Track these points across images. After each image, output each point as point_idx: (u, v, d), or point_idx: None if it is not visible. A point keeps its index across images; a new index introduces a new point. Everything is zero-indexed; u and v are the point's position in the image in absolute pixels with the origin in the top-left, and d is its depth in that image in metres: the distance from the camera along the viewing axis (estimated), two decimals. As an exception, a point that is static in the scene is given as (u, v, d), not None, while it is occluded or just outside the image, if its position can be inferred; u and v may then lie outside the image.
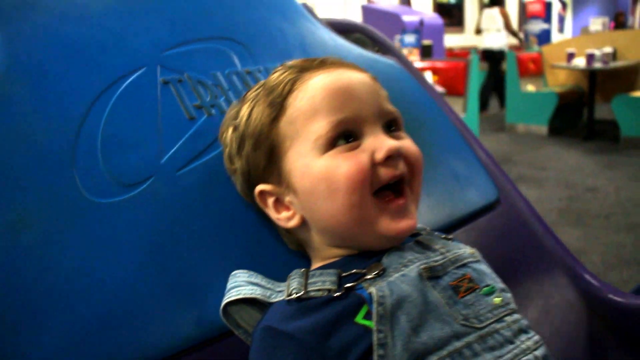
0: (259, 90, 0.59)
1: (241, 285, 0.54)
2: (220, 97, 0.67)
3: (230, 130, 0.59)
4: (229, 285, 0.55)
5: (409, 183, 0.56)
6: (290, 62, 0.60)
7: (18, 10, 0.60)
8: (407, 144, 0.57)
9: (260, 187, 0.57)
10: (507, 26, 6.84)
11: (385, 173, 0.53)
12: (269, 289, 0.54)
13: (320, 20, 0.86)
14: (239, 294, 0.53)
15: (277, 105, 0.56)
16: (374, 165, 0.53)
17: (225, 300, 0.53)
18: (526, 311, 0.82)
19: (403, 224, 0.54)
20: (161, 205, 0.58)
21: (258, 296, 0.53)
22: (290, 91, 0.56)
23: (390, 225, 0.53)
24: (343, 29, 0.90)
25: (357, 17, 7.94)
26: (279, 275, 0.57)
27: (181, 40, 0.68)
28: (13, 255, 0.50)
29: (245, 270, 0.56)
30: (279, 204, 0.57)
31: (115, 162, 0.57)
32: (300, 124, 0.55)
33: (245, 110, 0.58)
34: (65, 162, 0.55)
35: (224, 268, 0.57)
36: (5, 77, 0.56)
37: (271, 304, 0.53)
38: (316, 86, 0.55)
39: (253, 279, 0.55)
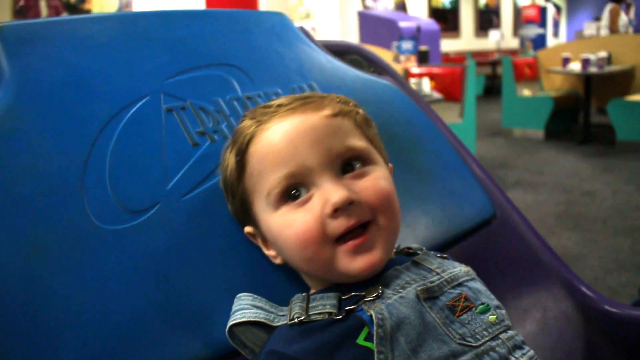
0: (232, 136, 0.61)
1: (245, 308, 0.56)
2: (222, 122, 0.68)
3: (221, 174, 0.62)
4: (234, 308, 0.57)
5: (376, 222, 0.54)
6: (255, 109, 0.61)
7: (25, 43, 0.62)
8: (368, 184, 0.55)
9: (246, 229, 0.61)
10: (611, 23, 6.82)
11: (336, 226, 0.52)
12: (272, 312, 0.56)
13: (317, 43, 0.88)
14: (243, 317, 0.55)
15: (240, 160, 0.57)
16: (324, 219, 0.53)
17: (230, 323, 0.55)
18: (524, 324, 0.84)
19: (362, 261, 0.53)
20: (168, 231, 0.59)
21: (262, 319, 0.55)
22: (247, 145, 0.57)
23: (349, 265, 0.53)
24: (339, 50, 0.92)
25: (353, 23, 7.97)
26: (282, 296, 0.59)
27: (183, 68, 0.69)
28: (28, 282, 0.51)
29: (249, 294, 0.58)
30: (265, 242, 0.60)
31: (123, 189, 0.59)
32: (255, 180, 0.56)
33: (224, 157, 0.61)
34: (75, 191, 0.56)
35: (229, 290, 0.59)
36: (15, 109, 0.58)
37: (274, 327, 0.55)
38: (266, 139, 0.55)
39: (257, 303, 0.57)
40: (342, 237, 0.53)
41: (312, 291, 0.59)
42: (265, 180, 0.55)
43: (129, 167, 0.60)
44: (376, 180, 0.56)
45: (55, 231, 0.54)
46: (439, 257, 0.62)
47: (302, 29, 0.87)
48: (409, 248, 0.64)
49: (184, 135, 0.65)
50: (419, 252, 0.63)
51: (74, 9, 5.46)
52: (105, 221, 0.57)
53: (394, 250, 0.63)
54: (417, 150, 0.83)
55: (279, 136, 0.55)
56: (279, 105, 0.58)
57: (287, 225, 0.54)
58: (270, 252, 0.60)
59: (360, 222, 0.53)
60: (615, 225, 3.12)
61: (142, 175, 0.61)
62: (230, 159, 0.59)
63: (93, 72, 0.64)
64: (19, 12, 5.04)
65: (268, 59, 0.77)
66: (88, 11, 5.58)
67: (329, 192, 0.53)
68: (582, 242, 2.89)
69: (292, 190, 0.54)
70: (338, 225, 0.52)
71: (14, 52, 0.61)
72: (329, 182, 0.53)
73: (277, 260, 0.59)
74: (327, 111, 0.57)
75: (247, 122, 0.59)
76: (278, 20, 0.84)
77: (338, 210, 0.52)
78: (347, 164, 0.56)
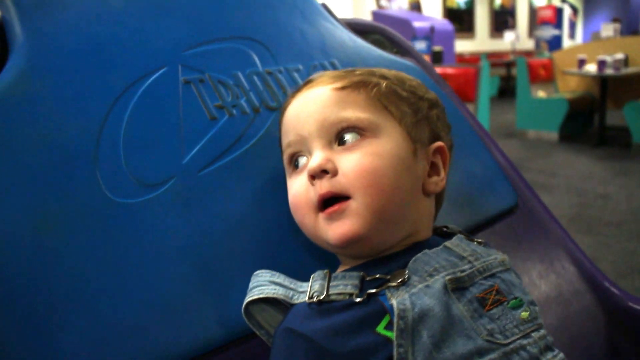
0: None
1: (263, 284, 0.54)
2: (242, 97, 0.67)
3: None
4: (251, 285, 0.54)
5: (355, 196, 0.52)
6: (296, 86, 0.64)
7: (40, 9, 0.61)
8: (348, 159, 0.54)
9: None
10: None
11: (312, 192, 0.54)
12: (291, 289, 0.54)
13: (340, 21, 0.86)
14: (261, 294, 0.53)
15: (279, 131, 0.61)
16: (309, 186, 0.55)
17: (247, 299, 0.53)
18: (544, 317, 0.81)
19: (336, 229, 0.52)
20: (183, 206, 0.58)
21: (280, 296, 0.53)
22: (282, 115, 0.61)
23: (328, 232, 0.53)
24: (362, 29, 0.90)
25: (367, 22, 7.96)
26: (300, 275, 0.56)
27: (202, 39, 0.68)
28: (37, 255, 0.50)
29: (267, 270, 0.56)
30: None
31: (138, 162, 0.57)
32: (282, 145, 0.60)
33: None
34: (88, 162, 0.55)
35: (246, 268, 0.57)
36: (28, 75, 0.56)
37: (292, 304, 0.52)
38: (285, 112, 0.60)
39: (275, 279, 0.54)
40: (323, 206, 0.54)
41: (339, 269, 0.56)
42: (282, 146, 0.59)
43: (144, 139, 0.59)
44: (364, 155, 0.53)
45: (66, 203, 0.52)
46: (475, 242, 0.58)
47: (325, 6, 0.85)
48: (446, 227, 0.61)
49: (201, 108, 0.63)
50: (454, 234, 0.59)
51: None
52: (118, 194, 0.55)
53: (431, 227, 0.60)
54: (439, 135, 0.81)
55: (292, 108, 0.58)
56: (311, 80, 0.60)
57: (289, 190, 0.58)
58: None
59: (332, 193, 0.52)
60: (629, 229, 3.08)
61: (157, 149, 0.59)
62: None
63: (109, 40, 0.62)
64: None
65: (290, 35, 0.76)
66: None
67: (311, 160, 0.54)
68: (595, 246, 2.86)
69: (295, 159, 0.57)
70: (314, 191, 0.54)
71: (28, 17, 0.60)
72: (317, 150, 0.55)
73: None
74: (338, 84, 0.57)
75: (286, 97, 0.63)
76: (300, -4, 0.82)
77: (315, 178, 0.53)
78: (343, 137, 0.55)
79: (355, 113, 0.55)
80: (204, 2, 0.71)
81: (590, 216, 3.32)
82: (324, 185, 0.52)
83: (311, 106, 0.56)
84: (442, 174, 0.59)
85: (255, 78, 0.69)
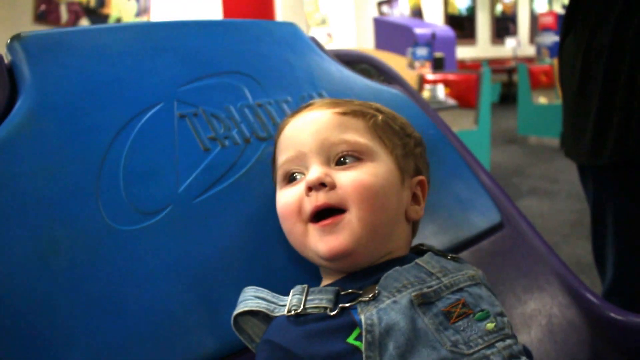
0: None
1: (248, 299, 0.58)
2: (233, 129, 0.71)
3: None
4: (239, 300, 0.59)
5: (351, 211, 0.57)
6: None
7: (46, 52, 0.65)
8: (346, 175, 0.58)
9: None
10: None
11: (307, 204, 0.57)
12: (273, 302, 0.58)
13: (328, 52, 0.90)
14: (245, 307, 0.57)
15: (274, 146, 0.66)
16: (303, 196, 0.58)
17: (234, 313, 0.57)
18: (529, 330, 0.84)
19: (327, 243, 0.56)
20: (179, 232, 0.62)
21: (263, 309, 0.56)
22: (279, 133, 0.65)
23: (318, 244, 0.57)
24: (349, 59, 0.93)
25: (369, 29, 7.99)
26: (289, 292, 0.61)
27: (195, 76, 0.72)
28: (44, 279, 0.54)
29: (253, 286, 0.60)
30: None
31: (136, 191, 0.61)
32: (275, 163, 0.64)
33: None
34: (90, 192, 0.59)
35: (238, 288, 0.60)
36: (36, 115, 0.61)
37: (274, 317, 0.56)
38: (284, 130, 0.64)
39: (259, 294, 0.58)
40: (316, 219, 0.57)
41: (322, 284, 0.61)
42: (277, 163, 0.63)
43: (142, 170, 0.63)
44: (361, 173, 0.58)
45: (70, 230, 0.56)
46: (449, 258, 0.62)
47: (313, 39, 0.89)
48: (422, 245, 0.66)
49: (195, 140, 0.67)
50: (430, 250, 0.63)
51: (93, 13, 5.55)
52: (118, 222, 0.59)
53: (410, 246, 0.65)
54: (424, 158, 0.84)
55: (291, 126, 0.63)
56: (309, 105, 0.65)
57: (278, 201, 0.61)
58: None
59: (328, 205, 0.56)
60: (630, 235, 3.08)
61: (155, 179, 0.63)
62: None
63: (109, 80, 0.66)
64: (40, 17, 5.14)
65: (279, 68, 0.79)
66: (107, 15, 5.67)
67: (309, 174, 0.58)
68: (596, 251, 2.86)
69: (290, 175, 0.61)
70: (309, 202, 0.57)
71: (35, 60, 0.64)
72: (315, 165, 0.59)
73: None
74: (339, 109, 0.62)
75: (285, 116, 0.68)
76: (289, 30, 0.86)
77: (312, 190, 0.57)
78: (342, 158, 0.59)
79: (354, 137, 0.60)
80: (196, 41, 0.75)
81: (591, 222, 3.32)
82: (321, 198, 0.56)
83: (312, 126, 0.61)
84: (422, 204, 0.65)
85: (246, 110, 0.73)
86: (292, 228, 0.59)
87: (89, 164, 0.61)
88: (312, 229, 0.57)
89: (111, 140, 0.63)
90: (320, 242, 0.56)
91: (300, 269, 0.66)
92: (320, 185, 0.57)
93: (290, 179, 0.61)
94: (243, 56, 0.77)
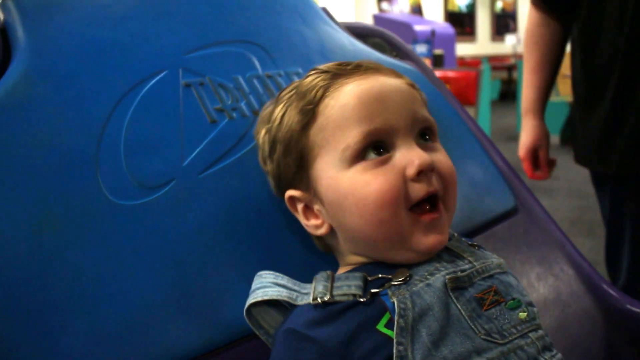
0: (292, 92, 0.57)
1: (268, 286, 0.53)
2: (242, 100, 0.67)
3: (263, 132, 0.59)
4: (254, 286, 0.54)
5: (442, 199, 0.53)
6: (323, 66, 0.58)
7: (42, 12, 0.61)
8: (440, 157, 0.55)
9: (289, 193, 0.57)
10: None
11: (417, 189, 0.51)
12: (295, 290, 0.54)
13: (340, 24, 0.87)
14: (265, 295, 0.52)
15: (309, 112, 0.54)
16: (405, 181, 0.51)
17: (252, 301, 0.53)
18: (543, 320, 0.82)
19: (433, 239, 0.52)
20: (183, 208, 0.58)
21: (284, 298, 0.52)
22: (322, 98, 0.54)
23: (422, 239, 0.51)
24: (362, 33, 0.91)
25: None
26: (300, 275, 0.56)
27: (203, 43, 0.68)
28: (37, 255, 0.50)
29: (271, 272, 0.55)
30: (308, 210, 0.57)
31: (138, 164, 0.58)
32: (330, 133, 0.53)
33: (278, 113, 0.57)
34: (89, 164, 0.56)
35: (244, 271, 0.57)
36: (30, 78, 0.57)
37: (296, 305, 0.53)
38: (348, 94, 0.53)
39: (279, 281, 0.54)
40: (417, 207, 0.52)
41: (339, 271, 0.57)
42: (344, 134, 0.52)
43: (144, 142, 0.59)
44: (446, 156, 0.56)
45: (67, 204, 0.53)
46: (471, 245, 0.59)
47: (325, 10, 0.86)
48: None
49: (201, 111, 0.64)
50: (451, 237, 0.59)
51: None
52: (118, 196, 0.56)
53: None
54: (440, 138, 0.81)
55: (365, 91, 0.53)
56: (357, 66, 0.57)
57: (365, 183, 0.51)
58: (311, 222, 0.56)
59: (437, 191, 0.52)
60: (630, 232, 3.08)
61: (158, 151, 0.60)
62: (290, 112, 0.55)
63: (110, 44, 0.63)
64: None
65: (290, 39, 0.76)
66: None
67: (414, 155, 0.51)
68: (596, 249, 2.87)
69: (375, 148, 0.52)
70: (419, 188, 0.51)
71: (30, 21, 0.61)
72: (412, 144, 0.52)
73: (321, 230, 0.56)
74: (405, 80, 0.57)
75: (315, 77, 0.56)
76: (301, 0, 0.83)
77: (421, 174, 0.51)
78: (423, 134, 0.55)
79: (429, 115, 0.56)
80: (204, 6, 0.72)
81: (592, 219, 3.33)
82: (434, 183, 0.52)
83: (398, 96, 0.54)
84: None
85: (255, 81, 0.69)
86: (392, 216, 0.51)
87: (87, 132, 0.57)
88: (419, 222, 0.51)
89: (112, 108, 0.59)
90: (426, 238, 0.51)
91: (310, 251, 0.62)
92: (430, 169, 0.51)
93: (369, 154, 0.52)
94: (253, 25, 0.74)
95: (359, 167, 0.52)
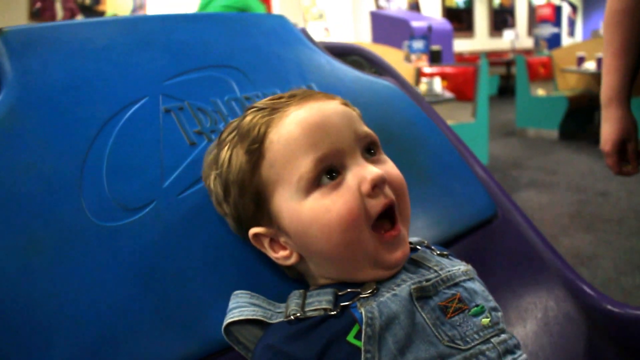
0: (234, 134, 0.58)
1: (243, 306, 0.56)
2: (220, 122, 0.69)
3: (213, 176, 0.60)
4: (231, 305, 0.56)
5: (398, 208, 0.55)
6: (259, 103, 0.59)
7: (28, 47, 0.64)
8: (388, 168, 0.57)
9: (253, 231, 0.58)
10: None
11: (375, 205, 0.53)
12: (269, 310, 0.56)
13: (318, 45, 0.89)
14: (241, 315, 0.55)
15: (255, 151, 0.55)
16: (362, 199, 0.53)
17: (228, 320, 0.55)
18: (524, 324, 0.84)
19: (399, 254, 0.54)
20: (163, 228, 0.60)
21: (259, 317, 0.55)
22: (265, 134, 0.55)
23: (387, 256, 0.54)
24: (340, 51, 0.92)
25: (366, 23, 7.97)
26: (276, 294, 0.59)
27: (182, 69, 0.71)
28: (25, 276, 0.52)
29: (246, 292, 0.58)
30: (274, 243, 0.58)
31: (120, 187, 0.60)
32: (281, 167, 0.54)
33: (224, 156, 0.58)
34: (73, 188, 0.58)
35: (223, 288, 0.59)
36: (17, 110, 0.59)
37: (271, 324, 0.55)
38: (290, 126, 0.54)
39: (254, 301, 0.57)
40: (377, 226, 0.54)
41: (311, 288, 0.59)
42: (295, 165, 0.53)
43: (126, 165, 0.61)
44: (394, 166, 0.58)
45: (52, 227, 0.55)
46: (439, 254, 0.62)
47: (303, 31, 0.88)
48: (409, 243, 0.64)
49: (181, 135, 0.66)
50: (418, 247, 0.62)
51: (89, 10, 5.52)
52: (101, 218, 0.58)
53: None
54: (417, 151, 0.83)
55: (306, 120, 0.54)
56: (292, 96, 0.58)
57: (326, 210, 0.52)
58: (280, 254, 0.58)
59: (393, 201, 0.54)
60: (630, 226, 3.09)
61: (139, 174, 0.62)
62: (236, 154, 0.56)
63: (93, 74, 0.65)
64: (35, 14, 5.11)
65: (267, 61, 0.78)
66: (102, 12, 5.64)
67: (365, 171, 0.53)
68: (595, 243, 2.87)
69: (327, 173, 0.53)
70: (376, 203, 0.53)
71: (17, 55, 0.63)
72: (361, 162, 0.54)
73: (290, 260, 0.57)
74: (338, 101, 0.58)
75: (254, 116, 0.57)
76: (278, 23, 0.85)
77: (375, 188, 0.52)
78: (368, 149, 0.57)
79: (369, 129, 0.58)
80: (183, 34, 0.74)
81: (591, 213, 3.32)
82: (388, 194, 0.54)
83: (337, 118, 0.55)
84: None
85: (233, 104, 0.72)
86: (357, 237, 0.52)
87: (71, 159, 0.59)
88: (382, 242, 0.54)
89: (94, 135, 0.61)
90: (389, 255, 0.54)
91: (285, 273, 0.64)
92: (383, 182, 0.53)
93: (323, 180, 0.53)
94: (230, 49, 0.76)
95: (317, 194, 0.53)
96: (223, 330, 0.55)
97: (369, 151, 0.57)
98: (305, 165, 0.53)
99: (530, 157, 4.91)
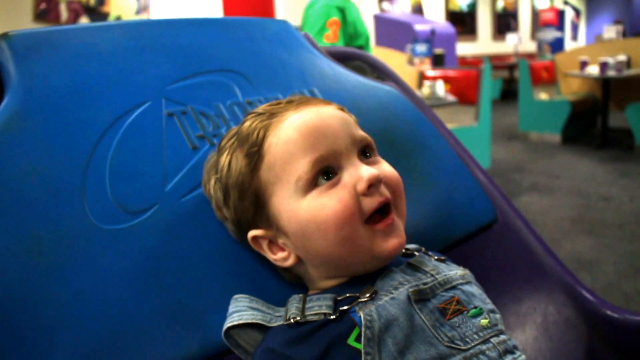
0: (233, 139, 0.60)
1: (242, 310, 0.57)
2: (222, 127, 0.70)
3: (213, 181, 0.62)
4: (230, 309, 0.57)
5: (394, 204, 0.57)
6: (259, 109, 0.61)
7: (33, 51, 0.64)
8: (384, 168, 0.59)
9: (252, 233, 0.59)
10: None
11: (370, 202, 0.55)
12: (268, 313, 0.57)
13: (320, 50, 0.89)
14: (240, 319, 0.56)
15: (254, 154, 0.57)
16: (357, 197, 0.54)
17: (228, 324, 0.56)
18: (524, 328, 0.84)
19: (393, 242, 0.56)
20: (165, 231, 0.61)
21: (258, 321, 0.56)
22: (264, 138, 0.57)
23: (382, 245, 0.55)
24: (342, 57, 0.93)
25: (369, 27, 7.97)
26: (277, 297, 0.60)
27: (185, 74, 0.71)
28: (29, 278, 0.53)
29: (246, 296, 0.58)
30: (273, 245, 0.60)
31: (123, 191, 0.61)
32: (279, 169, 0.56)
33: (224, 161, 0.60)
34: (76, 192, 0.59)
35: (225, 290, 0.60)
36: (22, 114, 0.60)
37: (270, 327, 0.56)
38: (288, 129, 0.56)
39: (254, 305, 0.57)
40: (370, 219, 0.55)
41: (309, 293, 0.60)
42: (293, 167, 0.55)
43: (128, 169, 0.62)
44: (390, 166, 0.60)
45: (55, 230, 0.56)
46: (436, 259, 0.63)
47: (305, 36, 0.89)
48: (407, 249, 0.65)
49: (183, 139, 0.67)
50: (416, 253, 0.63)
51: (93, 12, 5.54)
52: (104, 221, 0.59)
53: None
54: (417, 156, 0.84)
55: (303, 124, 0.56)
56: (289, 102, 0.60)
57: (322, 207, 0.54)
58: (278, 256, 0.59)
59: (388, 199, 0.56)
60: (632, 231, 3.08)
61: (142, 178, 0.62)
62: (236, 158, 0.58)
63: (96, 78, 0.66)
64: (40, 16, 5.13)
65: (270, 65, 0.79)
66: (107, 13, 5.66)
67: (360, 171, 0.55)
68: (597, 247, 2.87)
69: (324, 174, 0.55)
70: (371, 201, 0.55)
71: (21, 59, 0.64)
72: (357, 163, 0.56)
73: (288, 262, 0.59)
74: (334, 106, 0.61)
75: (253, 121, 0.59)
76: (281, 28, 0.86)
77: (371, 187, 0.54)
78: (364, 151, 0.59)
79: (365, 133, 0.60)
80: (187, 39, 0.75)
81: (593, 218, 3.32)
82: (384, 192, 0.56)
83: (334, 122, 0.57)
84: None
85: (235, 108, 0.72)
86: (352, 233, 0.54)
87: (74, 163, 0.60)
88: (376, 231, 0.55)
89: (98, 139, 0.62)
90: (386, 242, 0.55)
91: (284, 272, 0.65)
92: (379, 181, 0.55)
93: (320, 180, 0.55)
94: (234, 54, 0.76)
95: (314, 193, 0.55)
96: (223, 334, 0.56)
97: (365, 154, 0.59)
98: (303, 166, 0.55)
99: (532, 161, 4.91)
